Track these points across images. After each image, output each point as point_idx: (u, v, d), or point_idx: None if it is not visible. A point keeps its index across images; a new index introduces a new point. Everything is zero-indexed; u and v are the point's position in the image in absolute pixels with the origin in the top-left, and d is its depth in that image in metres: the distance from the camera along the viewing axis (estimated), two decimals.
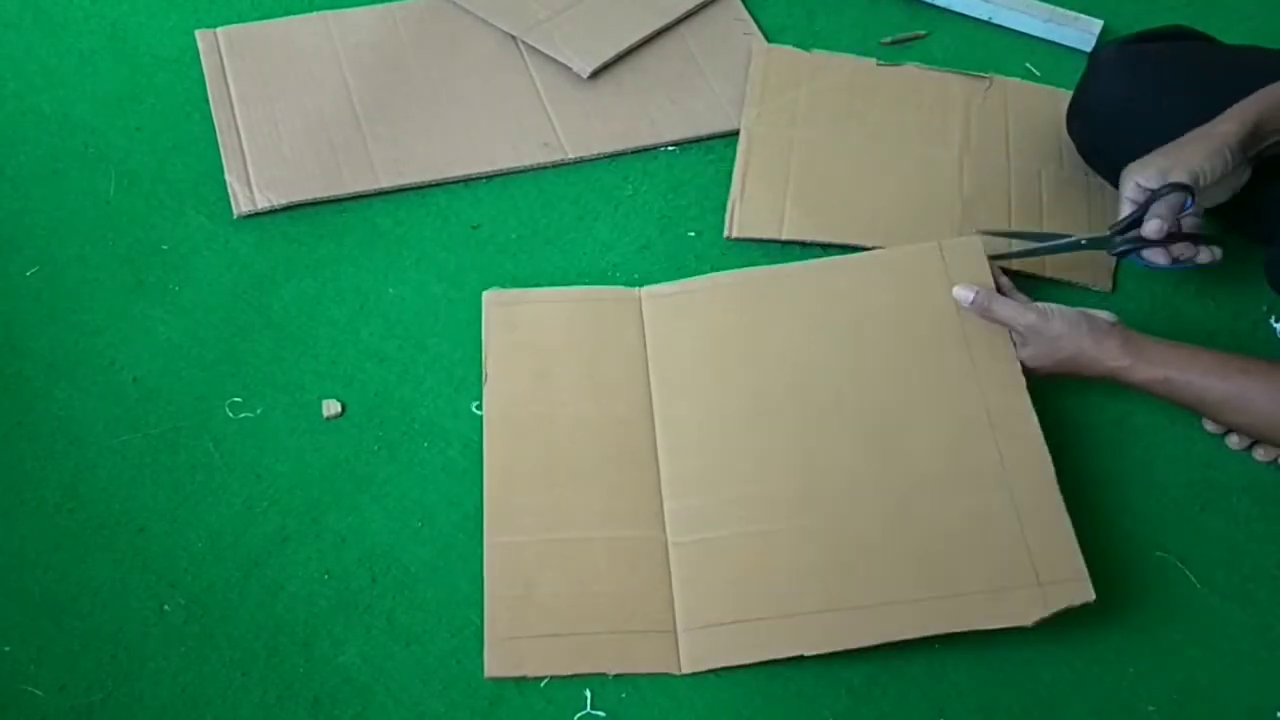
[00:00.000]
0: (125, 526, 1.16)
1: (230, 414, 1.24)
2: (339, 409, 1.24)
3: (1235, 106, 1.19)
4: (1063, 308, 1.17)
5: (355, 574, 1.14)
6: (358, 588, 1.13)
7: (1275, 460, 1.22)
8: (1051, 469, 1.12)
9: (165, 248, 1.37)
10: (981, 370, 1.18)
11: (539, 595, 1.11)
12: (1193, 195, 1.17)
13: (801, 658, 1.07)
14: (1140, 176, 1.19)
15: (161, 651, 1.09)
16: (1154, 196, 1.18)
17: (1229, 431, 1.23)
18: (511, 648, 1.09)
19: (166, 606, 1.11)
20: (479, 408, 1.25)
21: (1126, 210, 1.21)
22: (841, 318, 1.23)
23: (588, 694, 1.07)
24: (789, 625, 1.08)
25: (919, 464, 1.14)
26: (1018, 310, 1.18)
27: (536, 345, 1.26)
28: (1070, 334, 1.15)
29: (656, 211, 1.42)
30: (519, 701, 1.07)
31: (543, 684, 1.08)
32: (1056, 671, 1.10)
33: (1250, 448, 1.23)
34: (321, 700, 1.07)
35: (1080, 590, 1.06)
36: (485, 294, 1.30)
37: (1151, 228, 1.18)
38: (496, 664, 1.08)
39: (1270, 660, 1.11)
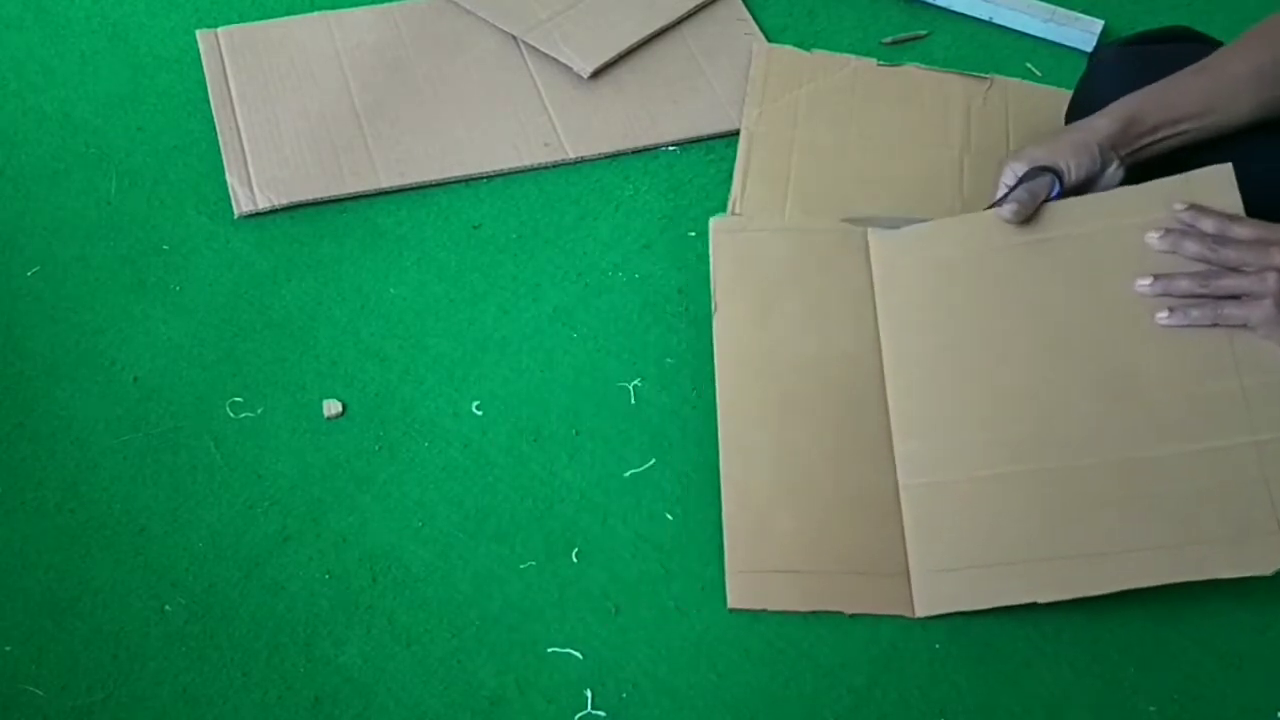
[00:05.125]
0: (126, 526, 1.16)
1: (231, 414, 1.24)
2: (340, 409, 1.24)
3: (1115, 103, 1.19)
4: None
5: (356, 574, 1.14)
6: (358, 588, 1.13)
7: None
8: None
9: (166, 248, 1.37)
10: None
11: (773, 532, 1.12)
12: (1060, 180, 1.17)
13: (801, 655, 1.07)
14: (1014, 163, 1.20)
15: (162, 651, 1.09)
16: (1023, 179, 1.18)
17: None
18: (752, 580, 1.10)
19: (167, 606, 1.12)
20: (479, 407, 1.25)
21: (999, 195, 1.21)
22: (1078, 255, 1.16)
23: (588, 694, 1.08)
24: (1023, 571, 1.07)
25: (1157, 404, 1.09)
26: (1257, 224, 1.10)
27: (762, 277, 1.25)
28: None
29: (657, 211, 1.42)
30: (519, 702, 1.07)
31: (543, 684, 1.08)
32: (1056, 671, 1.10)
33: None
34: (322, 700, 1.07)
35: None
36: (712, 220, 1.30)
37: (1006, 210, 1.17)
38: (738, 595, 1.10)
39: (1270, 660, 1.11)
